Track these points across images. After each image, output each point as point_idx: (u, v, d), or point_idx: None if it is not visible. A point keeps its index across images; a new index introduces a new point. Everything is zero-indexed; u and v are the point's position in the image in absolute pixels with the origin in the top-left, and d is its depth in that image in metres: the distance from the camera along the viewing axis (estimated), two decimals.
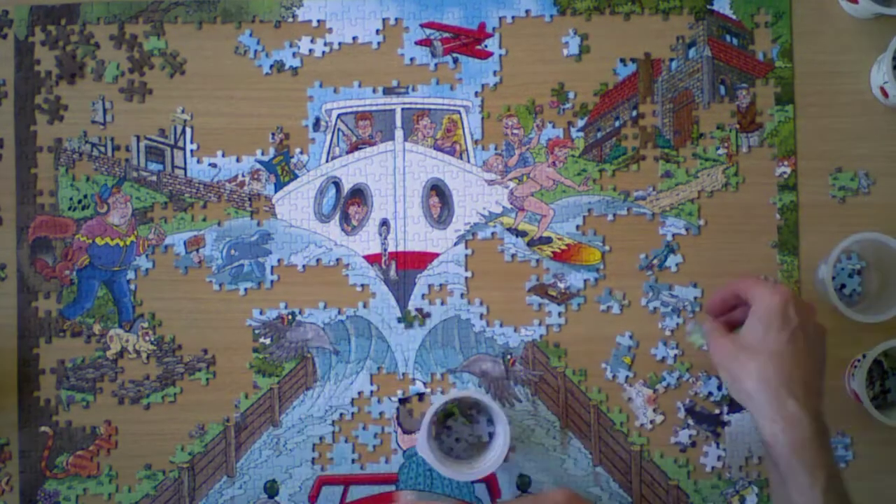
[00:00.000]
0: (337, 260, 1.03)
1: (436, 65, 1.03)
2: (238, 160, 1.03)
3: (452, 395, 0.97)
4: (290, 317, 1.02)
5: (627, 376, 1.01)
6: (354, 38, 1.04)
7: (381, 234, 1.03)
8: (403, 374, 1.02)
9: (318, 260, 1.03)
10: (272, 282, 1.02)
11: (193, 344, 1.02)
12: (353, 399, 1.02)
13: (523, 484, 1.00)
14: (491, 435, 1.00)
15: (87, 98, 1.04)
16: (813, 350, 0.84)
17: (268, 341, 1.02)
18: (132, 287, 1.03)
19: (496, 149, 1.03)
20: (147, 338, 1.02)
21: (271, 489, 1.01)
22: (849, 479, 0.98)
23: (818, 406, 0.82)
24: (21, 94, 1.04)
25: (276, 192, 1.03)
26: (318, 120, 1.03)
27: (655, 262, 1.01)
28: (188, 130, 1.04)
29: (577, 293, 1.01)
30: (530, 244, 1.02)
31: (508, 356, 1.01)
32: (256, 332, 1.02)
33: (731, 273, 1.00)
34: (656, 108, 1.02)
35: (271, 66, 1.04)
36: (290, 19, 1.04)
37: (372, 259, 1.02)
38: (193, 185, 1.03)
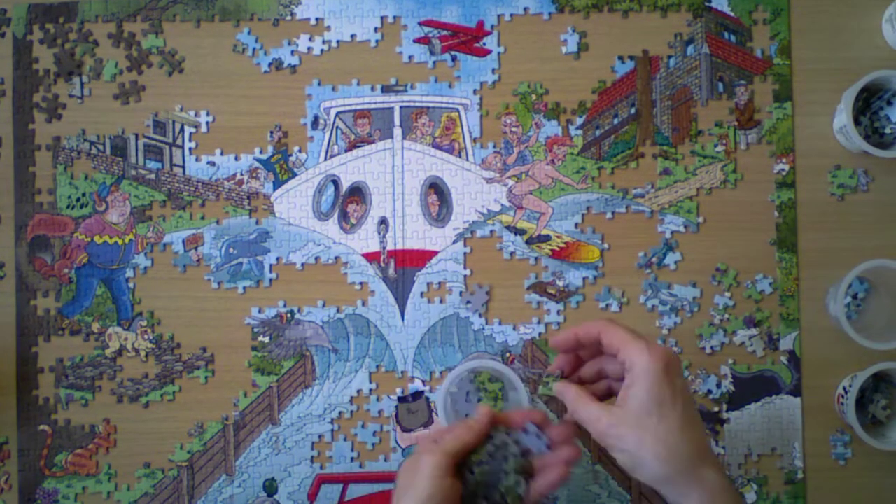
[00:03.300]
0: (336, 258, 1.03)
1: (434, 63, 1.03)
2: (237, 158, 1.03)
3: (469, 365, 0.96)
4: (288, 315, 1.02)
5: None
6: (353, 36, 1.04)
7: (379, 233, 1.03)
8: (402, 372, 1.02)
9: (316, 258, 1.03)
10: (271, 280, 1.02)
11: (192, 342, 1.02)
12: (352, 397, 1.02)
13: None
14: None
15: (86, 96, 1.04)
16: (695, 412, 0.76)
17: (267, 339, 1.02)
18: (131, 285, 1.03)
19: (495, 147, 1.03)
20: (146, 336, 1.02)
21: (270, 487, 1.01)
22: (848, 478, 0.99)
23: (720, 463, 0.76)
24: (19, 93, 1.04)
25: (274, 190, 1.03)
26: (316, 118, 1.03)
27: (654, 259, 1.01)
28: (187, 129, 1.04)
29: (575, 291, 1.01)
30: (529, 242, 1.02)
31: (507, 354, 1.01)
32: (255, 330, 1.02)
33: (730, 271, 1.00)
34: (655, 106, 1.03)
35: (270, 65, 1.04)
36: (289, 17, 1.04)
37: (371, 257, 1.02)
38: (192, 183, 1.03)
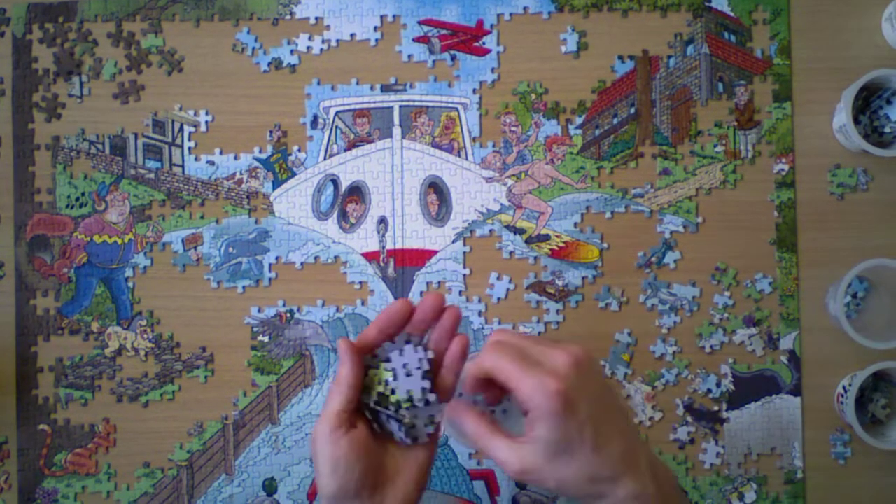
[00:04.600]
0: (335, 257, 1.03)
1: (434, 62, 1.03)
2: (236, 158, 1.03)
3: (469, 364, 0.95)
4: (288, 314, 1.02)
5: (626, 373, 1.01)
6: (352, 36, 1.04)
7: (379, 232, 1.03)
8: None
9: (316, 257, 1.03)
10: (270, 279, 1.02)
11: (192, 342, 1.02)
12: None
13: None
14: (494, 411, 0.99)
15: (85, 96, 1.04)
16: (612, 415, 0.70)
17: (266, 339, 1.02)
18: (130, 285, 1.03)
19: (494, 146, 1.03)
20: (145, 335, 1.02)
21: (270, 487, 1.01)
22: (848, 477, 0.99)
23: (647, 458, 0.70)
24: (19, 92, 1.04)
25: (273, 189, 1.03)
26: (315, 117, 1.03)
27: (654, 259, 1.01)
28: (186, 128, 1.04)
29: (575, 291, 1.01)
30: (528, 241, 1.02)
31: None
32: (255, 329, 1.02)
33: (730, 270, 1.00)
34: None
35: (269, 64, 1.04)
36: (288, 17, 1.04)
37: (370, 256, 1.02)
38: (191, 182, 1.03)
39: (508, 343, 0.71)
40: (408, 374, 0.73)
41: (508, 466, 0.69)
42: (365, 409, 0.74)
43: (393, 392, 0.73)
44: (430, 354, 0.74)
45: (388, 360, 0.74)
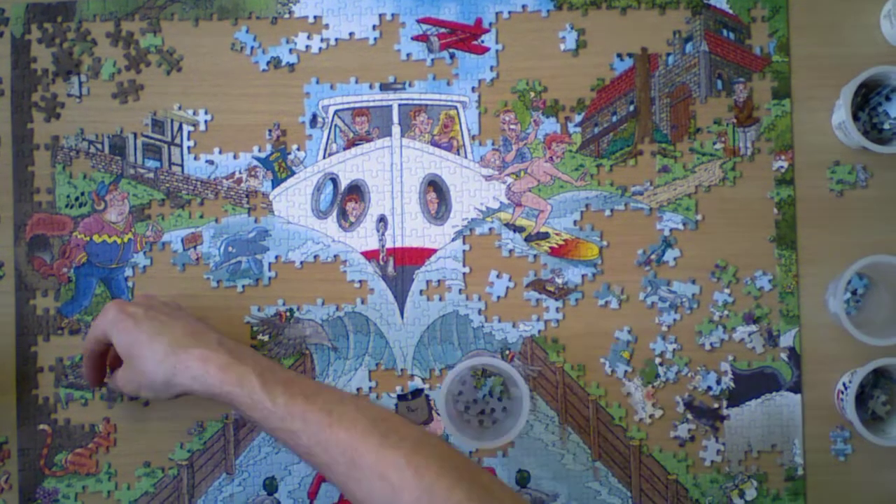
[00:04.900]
0: (335, 256, 1.03)
1: (433, 60, 1.03)
2: (235, 157, 1.03)
3: (470, 362, 0.96)
4: (287, 313, 1.02)
5: (626, 371, 1.01)
6: (351, 34, 1.04)
7: (378, 231, 1.03)
8: (402, 370, 1.02)
9: (315, 256, 1.03)
10: (270, 278, 1.02)
11: None
12: None
13: (522, 479, 1.00)
14: (494, 409, 1.00)
15: (84, 95, 1.04)
16: (177, 312, 0.90)
17: (266, 338, 1.02)
18: (130, 284, 1.03)
19: (493, 144, 1.03)
20: None
21: (270, 486, 1.01)
22: (848, 474, 0.99)
23: (219, 338, 0.85)
24: (18, 92, 1.04)
25: (273, 188, 1.03)
26: (314, 116, 1.03)
27: (653, 256, 1.01)
28: (185, 127, 1.04)
29: (574, 288, 1.01)
30: (528, 239, 1.02)
31: (507, 351, 1.01)
32: (254, 328, 1.02)
33: (729, 268, 1.00)
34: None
35: (268, 63, 1.04)
36: (287, 15, 1.04)
37: (370, 255, 1.02)
38: (191, 182, 1.03)
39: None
40: None
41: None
42: None
43: None
44: None
45: None
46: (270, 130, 1.03)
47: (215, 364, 0.81)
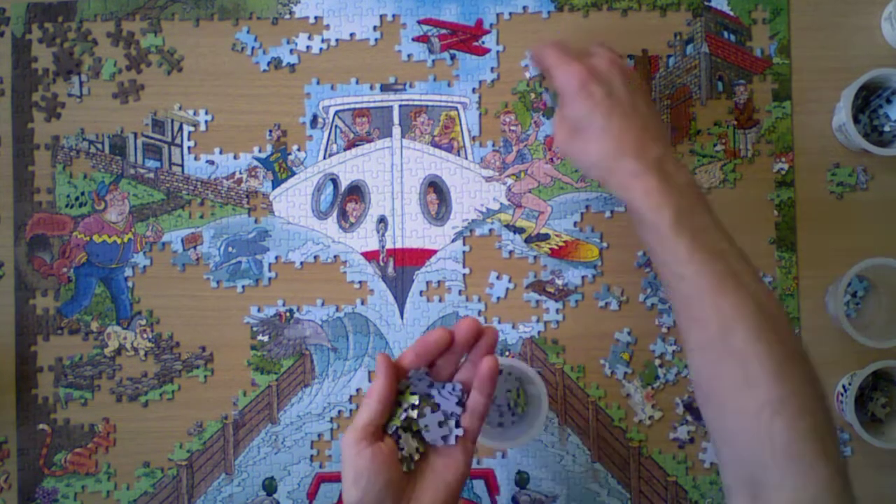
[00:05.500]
0: (335, 257, 1.03)
1: (433, 61, 1.03)
2: (235, 157, 1.03)
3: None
4: (287, 314, 1.02)
5: (626, 372, 1.01)
6: (352, 35, 1.04)
7: (378, 231, 1.03)
8: None
9: (315, 257, 1.03)
10: (270, 279, 1.02)
11: (191, 341, 1.02)
12: (351, 396, 1.02)
13: (521, 480, 1.00)
14: (503, 413, 1.00)
15: (85, 95, 1.04)
16: (628, 110, 0.84)
17: (266, 338, 1.02)
18: (130, 284, 1.03)
19: (494, 145, 1.03)
20: (145, 335, 1.02)
21: (270, 486, 1.01)
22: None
23: (660, 155, 0.81)
24: (18, 92, 1.04)
25: (273, 189, 1.03)
26: (315, 117, 1.03)
27: None
28: (185, 127, 1.04)
29: (574, 290, 1.01)
30: (528, 241, 1.02)
31: (507, 353, 1.01)
32: (254, 329, 1.02)
33: None
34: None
35: (269, 63, 1.04)
36: (288, 16, 1.04)
37: (370, 256, 1.02)
38: (191, 182, 1.03)
39: (559, 44, 0.89)
40: (437, 404, 0.76)
41: (558, 133, 0.88)
42: (390, 431, 0.75)
43: (419, 415, 0.75)
44: (459, 385, 0.77)
45: (413, 389, 0.76)
46: (271, 131, 1.03)
47: (641, 187, 0.79)
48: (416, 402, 0.75)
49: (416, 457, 0.75)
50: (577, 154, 0.85)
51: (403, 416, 0.75)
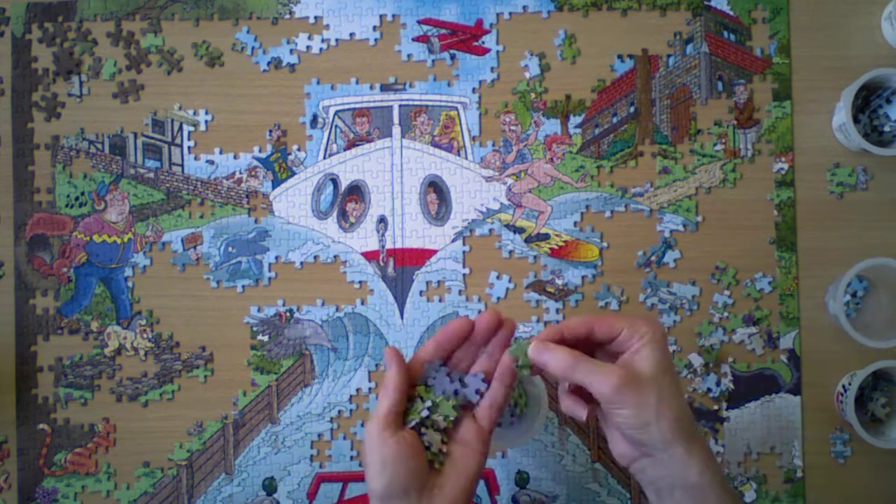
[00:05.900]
0: (335, 257, 1.03)
1: (433, 61, 1.03)
2: (235, 157, 1.03)
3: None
4: (287, 314, 1.02)
5: None
6: (352, 35, 1.04)
7: (378, 231, 1.02)
8: None
9: (315, 257, 1.03)
10: (270, 279, 1.02)
11: (191, 341, 1.02)
12: (351, 396, 1.02)
13: (521, 480, 1.00)
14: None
15: (85, 95, 1.04)
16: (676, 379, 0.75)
17: (266, 338, 1.02)
18: (130, 284, 1.03)
19: (494, 145, 1.03)
20: (145, 335, 1.02)
21: (270, 486, 1.01)
22: (847, 476, 0.99)
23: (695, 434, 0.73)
24: (18, 92, 1.04)
25: (273, 189, 1.03)
26: (315, 117, 1.03)
27: (653, 258, 1.01)
28: (185, 127, 1.04)
29: (574, 290, 1.01)
30: (528, 241, 1.02)
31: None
32: (254, 329, 1.02)
33: (729, 269, 1.00)
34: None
35: (269, 63, 1.04)
36: (288, 16, 1.04)
37: (370, 256, 1.02)
38: (191, 182, 1.03)
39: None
40: (455, 393, 0.77)
41: (607, 380, 0.70)
42: (411, 425, 0.76)
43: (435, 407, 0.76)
44: (481, 375, 0.77)
45: (432, 383, 0.77)
46: (271, 131, 1.03)
47: (712, 470, 0.71)
48: (434, 402, 0.76)
49: (445, 449, 0.76)
50: (646, 403, 0.71)
51: (425, 413, 0.75)
